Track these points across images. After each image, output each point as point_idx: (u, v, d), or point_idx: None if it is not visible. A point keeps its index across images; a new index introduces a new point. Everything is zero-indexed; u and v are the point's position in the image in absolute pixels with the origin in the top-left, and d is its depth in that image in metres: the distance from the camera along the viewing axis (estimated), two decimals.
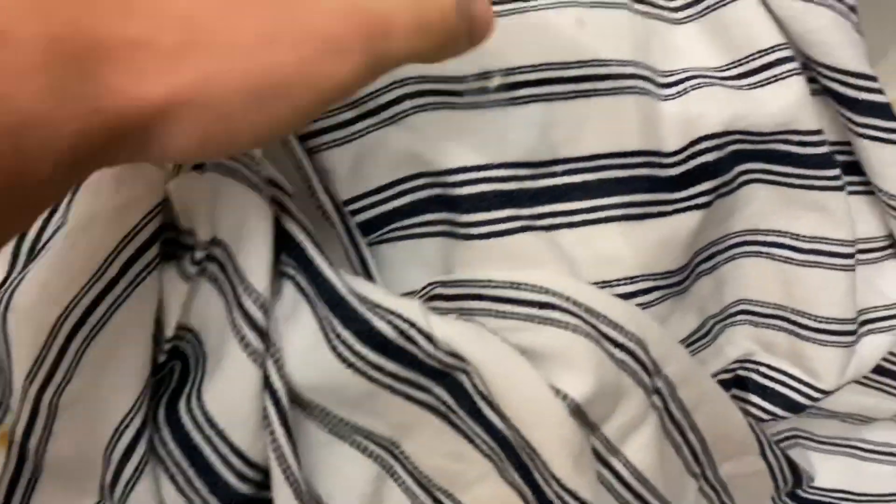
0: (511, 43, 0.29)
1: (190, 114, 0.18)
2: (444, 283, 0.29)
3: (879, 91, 0.32)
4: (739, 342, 0.36)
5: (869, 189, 0.35)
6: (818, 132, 0.31)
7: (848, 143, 0.34)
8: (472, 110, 0.29)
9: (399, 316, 0.25)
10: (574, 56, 0.29)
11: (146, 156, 0.19)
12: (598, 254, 0.29)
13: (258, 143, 0.21)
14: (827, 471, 0.46)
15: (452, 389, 0.27)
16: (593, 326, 0.27)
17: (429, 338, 0.25)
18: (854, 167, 0.35)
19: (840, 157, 0.35)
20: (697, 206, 0.30)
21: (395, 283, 0.30)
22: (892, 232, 0.36)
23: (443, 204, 0.29)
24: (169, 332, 0.26)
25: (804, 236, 0.33)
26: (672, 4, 0.33)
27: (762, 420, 0.37)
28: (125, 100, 0.17)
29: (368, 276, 0.29)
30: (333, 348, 0.25)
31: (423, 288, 0.30)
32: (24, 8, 0.16)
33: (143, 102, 0.17)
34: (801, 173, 0.32)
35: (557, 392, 0.26)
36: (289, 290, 0.26)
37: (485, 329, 0.26)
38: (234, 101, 0.18)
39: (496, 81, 0.29)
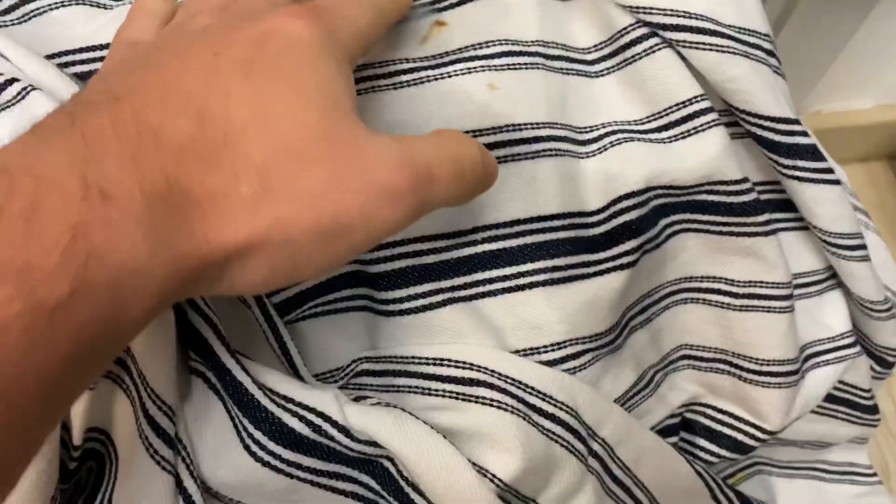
0: (422, 112, 0.29)
1: (262, 254, 0.20)
2: (369, 359, 0.29)
3: (803, 133, 0.32)
4: (683, 387, 0.36)
5: (804, 224, 0.35)
6: (743, 181, 0.31)
7: (779, 182, 0.34)
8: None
9: (312, 410, 0.24)
10: (488, 122, 0.29)
11: (215, 290, 0.20)
12: (524, 321, 0.28)
13: (316, 275, 0.23)
14: (790, 494, 0.46)
15: (377, 476, 0.26)
16: (520, 400, 0.27)
17: (344, 431, 0.24)
18: (788, 204, 0.35)
19: (772, 196, 0.35)
20: (622, 266, 0.29)
21: (319, 360, 0.29)
22: (830, 264, 0.36)
23: (361, 280, 0.29)
24: (77, 439, 0.25)
25: (738, 281, 0.33)
26: (588, 57, 0.32)
27: (711, 463, 0.37)
28: (208, 245, 0.19)
29: (288, 358, 0.28)
30: (247, 447, 0.24)
31: (349, 364, 0.29)
32: (124, 167, 0.18)
33: (224, 247, 0.19)
34: (728, 221, 0.32)
35: (484, 473, 0.26)
36: (199, 387, 0.25)
37: (405, 413, 0.26)
38: (301, 242, 0.20)
39: None
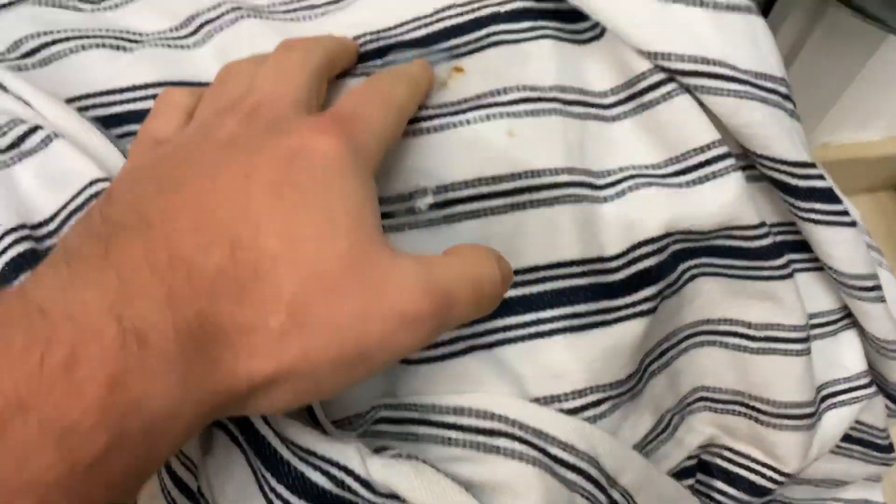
0: (442, 160, 0.29)
1: (287, 384, 0.20)
2: (388, 406, 0.29)
3: (820, 176, 0.32)
4: (700, 429, 0.35)
5: (819, 265, 0.35)
6: (760, 225, 0.31)
7: (794, 223, 0.34)
8: (404, 231, 0.29)
9: (335, 464, 0.24)
10: (507, 169, 0.29)
11: (238, 413, 0.21)
12: (544, 369, 0.28)
13: (335, 395, 0.23)
14: None
15: None
16: (541, 450, 0.27)
17: (367, 485, 0.24)
18: (803, 245, 0.35)
19: (787, 237, 0.35)
20: (642, 313, 0.29)
21: (338, 406, 0.29)
22: (845, 304, 0.36)
23: None
24: None
25: (756, 324, 0.33)
26: (605, 101, 0.32)
27: None
28: (236, 379, 0.19)
29: (309, 407, 0.28)
30: (270, 502, 0.24)
31: (368, 411, 0.29)
32: (157, 307, 0.18)
33: (251, 380, 0.19)
34: (746, 265, 0.32)
35: None
36: (221, 440, 0.25)
37: (427, 466, 0.26)
38: (325, 371, 0.20)
39: (428, 200, 0.29)
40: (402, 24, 0.33)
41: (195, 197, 0.20)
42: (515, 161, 0.29)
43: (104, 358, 0.16)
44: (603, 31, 0.33)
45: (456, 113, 0.30)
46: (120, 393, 0.16)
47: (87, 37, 0.32)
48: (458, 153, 0.29)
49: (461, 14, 0.33)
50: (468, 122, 0.30)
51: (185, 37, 0.34)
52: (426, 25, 0.33)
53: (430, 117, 0.30)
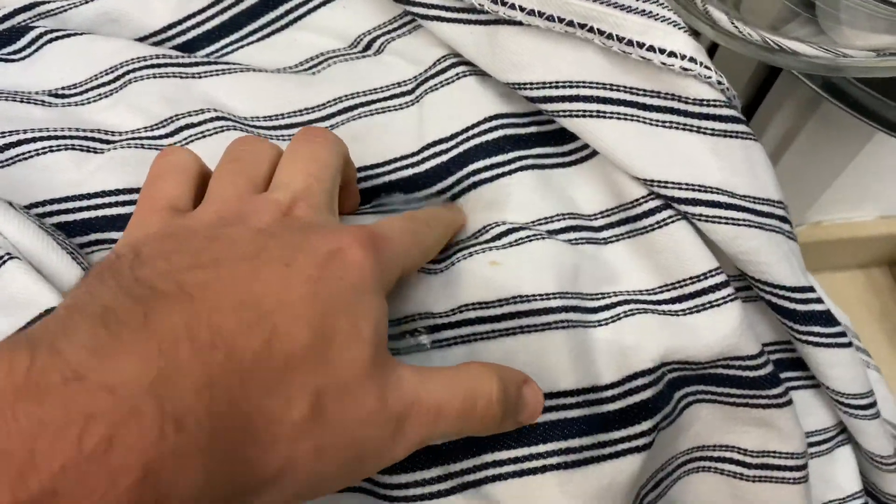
0: (427, 295, 0.29)
1: (292, 479, 0.20)
2: None
3: (818, 300, 0.32)
4: None
5: (815, 382, 0.35)
6: (759, 355, 0.30)
7: (789, 342, 0.34)
8: (398, 356, 0.28)
9: None
10: (493, 294, 0.29)
11: None
12: None
13: (318, 497, 0.23)
14: None
15: None
16: None
17: None
18: (799, 362, 0.34)
19: (784, 355, 0.35)
20: (638, 449, 0.28)
21: None
22: (840, 420, 0.36)
23: None
24: None
25: (752, 451, 0.32)
26: (595, 223, 0.32)
27: None
28: (252, 472, 0.19)
29: None
30: None
31: None
32: (200, 394, 0.17)
33: (263, 471, 0.19)
34: (743, 393, 0.31)
35: None
36: None
37: None
38: (330, 472, 0.21)
39: (416, 326, 0.28)
40: (388, 162, 0.33)
41: (235, 277, 0.20)
42: (501, 287, 0.29)
43: (142, 444, 0.16)
44: (594, 153, 0.32)
45: (440, 261, 0.30)
46: (150, 484, 0.16)
47: (56, 137, 0.31)
48: (442, 289, 0.29)
49: (445, 152, 0.33)
50: (452, 263, 0.30)
51: (162, 137, 0.33)
52: (412, 166, 0.33)
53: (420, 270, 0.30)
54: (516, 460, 0.28)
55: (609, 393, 0.29)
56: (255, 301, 0.20)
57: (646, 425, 0.29)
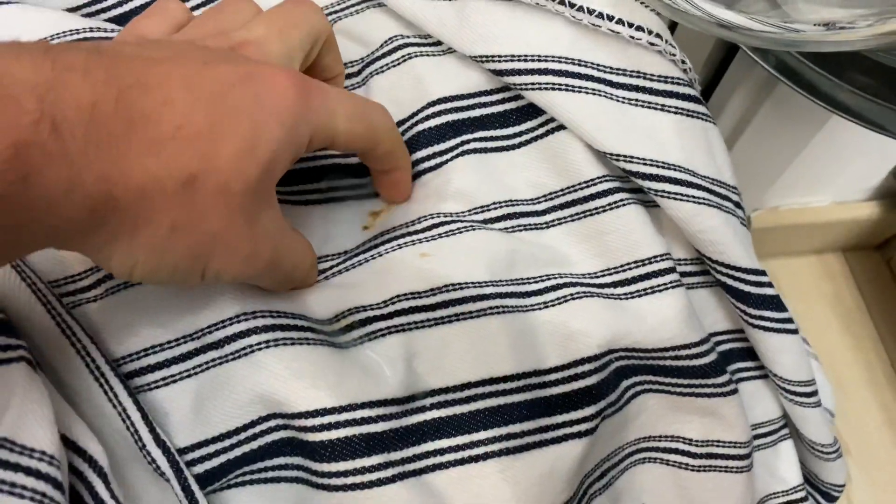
0: (357, 288, 0.28)
1: (140, 243, 0.21)
2: None
3: (769, 284, 0.31)
4: None
5: (763, 374, 0.35)
6: (703, 342, 0.30)
7: (741, 331, 0.33)
8: (327, 347, 0.27)
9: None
10: (424, 285, 0.28)
11: (116, 246, 0.21)
12: (477, 498, 0.26)
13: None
14: None
15: None
16: None
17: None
18: (750, 353, 0.34)
19: (735, 345, 0.34)
20: (580, 434, 0.28)
21: None
22: (785, 411, 0.36)
23: (298, 449, 0.26)
24: None
25: (697, 441, 0.32)
26: (537, 208, 0.31)
27: None
28: (121, 182, 0.20)
29: None
30: None
31: None
32: (77, 107, 0.19)
33: (121, 217, 0.20)
34: (689, 383, 0.31)
35: None
36: None
37: None
38: (176, 252, 0.22)
39: (348, 321, 0.28)
40: None
41: (152, 60, 0.21)
42: (431, 276, 0.28)
43: (16, 127, 0.17)
44: (539, 136, 0.32)
45: (368, 249, 0.29)
46: (21, 161, 0.17)
47: None
48: (372, 280, 0.28)
49: None
50: (380, 254, 0.29)
51: None
52: None
53: (349, 257, 0.29)
54: (457, 448, 0.27)
55: (553, 377, 0.28)
56: (160, 77, 0.21)
57: (589, 410, 0.28)
